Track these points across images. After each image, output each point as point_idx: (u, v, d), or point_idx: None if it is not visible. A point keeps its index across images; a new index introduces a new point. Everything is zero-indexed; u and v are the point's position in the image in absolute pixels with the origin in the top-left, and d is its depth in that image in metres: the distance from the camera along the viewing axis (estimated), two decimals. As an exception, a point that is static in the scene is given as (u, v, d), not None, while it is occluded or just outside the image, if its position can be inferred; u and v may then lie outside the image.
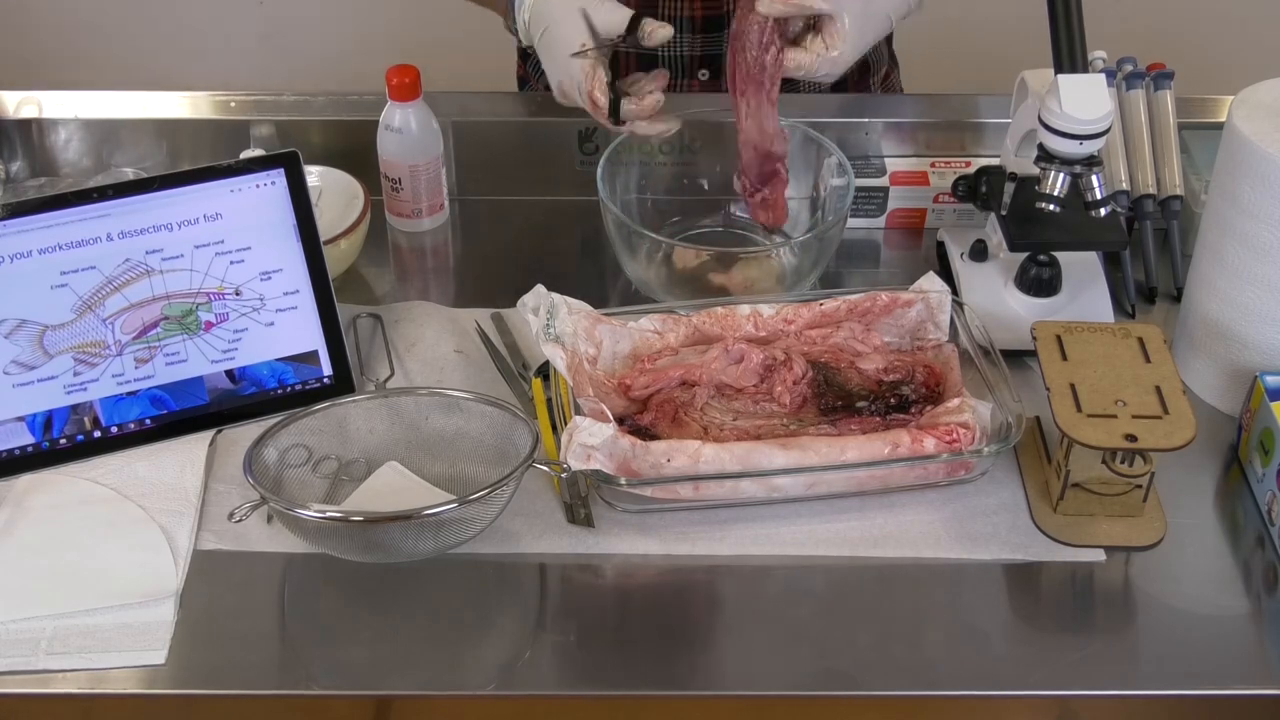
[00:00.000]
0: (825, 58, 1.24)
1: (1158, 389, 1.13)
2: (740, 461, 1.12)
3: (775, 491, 1.14)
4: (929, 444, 1.13)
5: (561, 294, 1.22)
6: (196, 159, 1.49)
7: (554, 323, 1.19)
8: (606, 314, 1.24)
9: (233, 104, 1.52)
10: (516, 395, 1.25)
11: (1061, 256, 1.31)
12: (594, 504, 1.15)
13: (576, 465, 1.09)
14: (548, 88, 1.31)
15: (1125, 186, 1.41)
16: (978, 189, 1.34)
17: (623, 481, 1.11)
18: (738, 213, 1.46)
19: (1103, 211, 1.24)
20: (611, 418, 1.13)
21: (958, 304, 1.27)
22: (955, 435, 1.14)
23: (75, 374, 1.19)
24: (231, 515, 1.08)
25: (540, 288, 1.21)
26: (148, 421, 1.21)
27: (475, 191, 1.42)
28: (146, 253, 1.19)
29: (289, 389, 1.24)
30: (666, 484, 1.12)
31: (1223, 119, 1.22)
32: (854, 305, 1.27)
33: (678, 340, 1.26)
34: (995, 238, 1.35)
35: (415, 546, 1.08)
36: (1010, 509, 1.16)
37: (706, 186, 1.47)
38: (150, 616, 1.06)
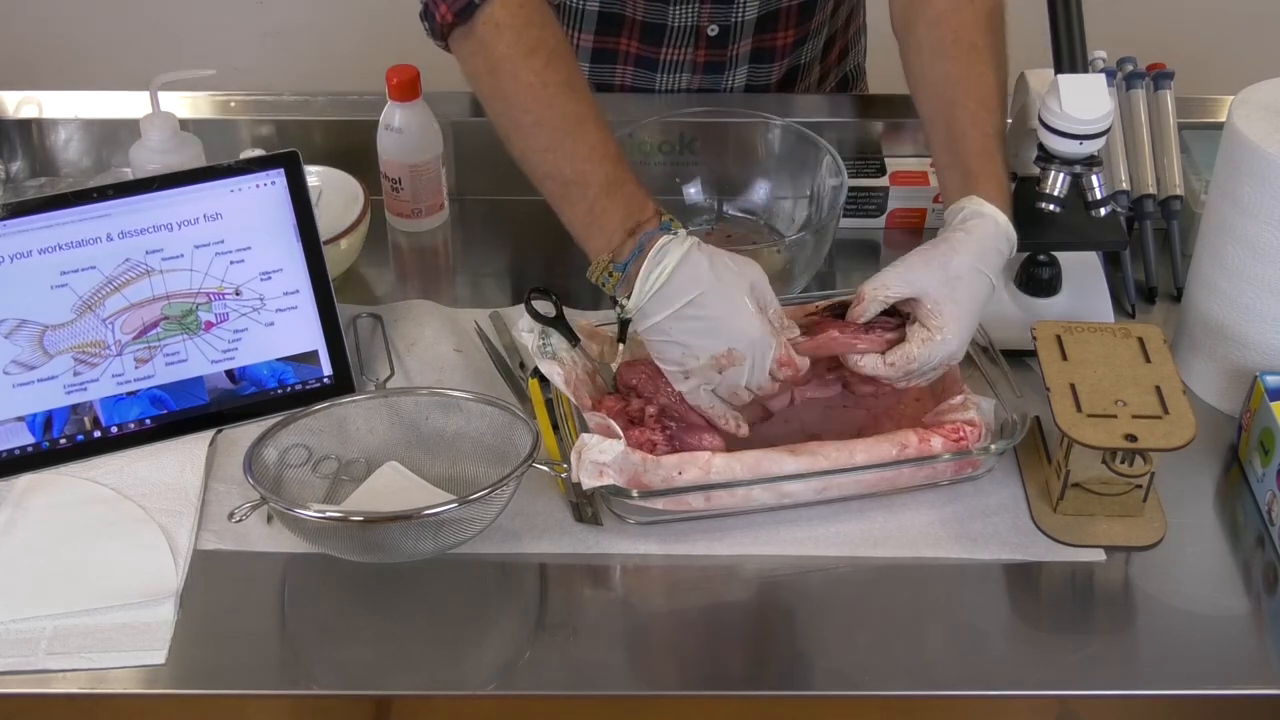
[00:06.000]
0: (932, 341, 1.12)
1: (1158, 389, 1.13)
2: (751, 470, 1.11)
3: (786, 498, 1.14)
4: (936, 443, 1.13)
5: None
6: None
7: (550, 341, 1.19)
8: (601, 325, 1.23)
9: (233, 104, 1.52)
10: (516, 395, 1.25)
11: (1061, 256, 1.31)
12: (598, 503, 1.15)
13: (589, 482, 1.08)
14: None
15: (1125, 186, 1.41)
16: (978, 189, 1.34)
17: (634, 494, 1.10)
18: (732, 211, 1.46)
19: (1103, 211, 1.24)
20: (620, 432, 1.13)
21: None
22: (962, 433, 1.13)
23: (75, 374, 1.19)
24: (231, 515, 1.08)
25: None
26: (148, 421, 1.21)
27: (475, 191, 1.42)
28: (146, 253, 1.19)
29: (289, 389, 1.24)
30: (678, 495, 1.11)
31: (1223, 119, 1.22)
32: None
33: None
34: (995, 238, 1.35)
35: (415, 546, 1.08)
36: (1010, 509, 1.16)
37: (702, 186, 1.47)
38: (150, 616, 1.06)
